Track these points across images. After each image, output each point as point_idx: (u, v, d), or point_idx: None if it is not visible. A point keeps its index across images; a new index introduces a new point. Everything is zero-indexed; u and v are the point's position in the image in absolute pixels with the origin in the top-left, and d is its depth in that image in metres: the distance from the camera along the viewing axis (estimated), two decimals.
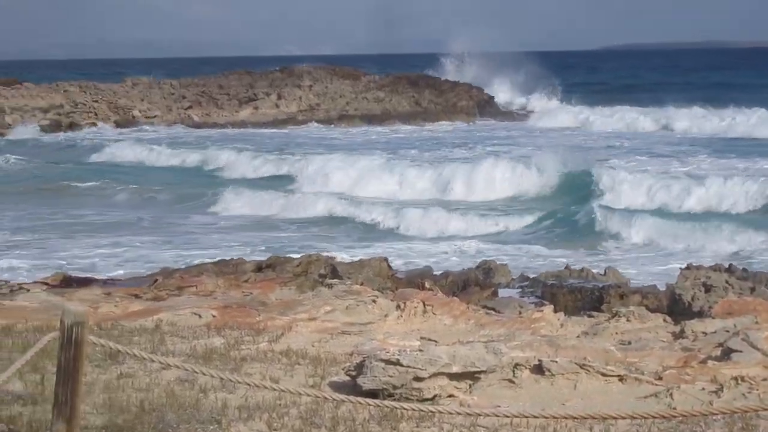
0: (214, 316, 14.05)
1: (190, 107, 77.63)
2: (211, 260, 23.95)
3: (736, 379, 9.76)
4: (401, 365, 9.28)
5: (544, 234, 32.10)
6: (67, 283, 20.37)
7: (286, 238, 31.82)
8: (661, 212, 34.31)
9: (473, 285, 21.54)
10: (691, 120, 67.62)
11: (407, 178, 42.99)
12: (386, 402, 7.69)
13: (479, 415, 8.31)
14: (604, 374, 10.00)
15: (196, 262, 24.91)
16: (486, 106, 79.01)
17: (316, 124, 72.65)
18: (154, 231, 32.91)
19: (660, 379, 10.18)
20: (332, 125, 72.68)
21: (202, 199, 40.08)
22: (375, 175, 43.51)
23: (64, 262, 26.49)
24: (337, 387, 9.62)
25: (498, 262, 23.62)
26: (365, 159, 46.42)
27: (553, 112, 76.51)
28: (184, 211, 37.64)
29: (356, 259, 23.42)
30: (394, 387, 9.23)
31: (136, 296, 17.42)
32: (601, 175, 39.60)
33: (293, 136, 65.87)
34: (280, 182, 44.44)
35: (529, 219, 33.90)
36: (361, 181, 42.95)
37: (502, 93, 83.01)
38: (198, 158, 52.52)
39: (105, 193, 42.66)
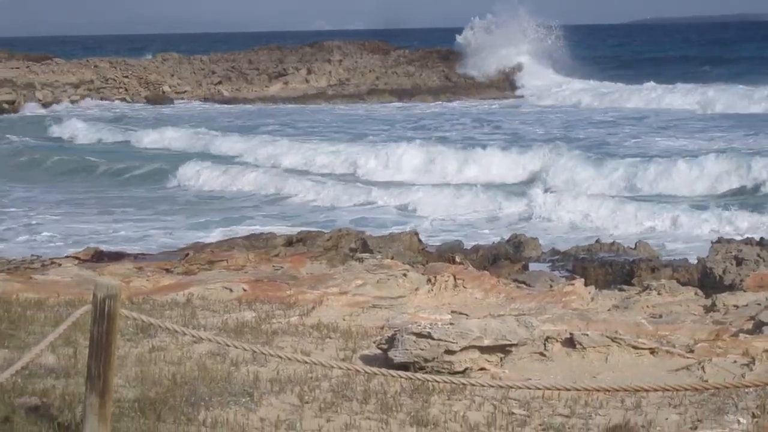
0: (245, 290, 14.10)
1: (219, 82, 77.82)
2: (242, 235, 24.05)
3: (767, 351, 9.72)
4: (432, 338, 9.28)
5: None
6: (99, 257, 20.52)
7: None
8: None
9: (504, 259, 21.56)
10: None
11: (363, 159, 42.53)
12: (418, 375, 7.69)
13: (510, 387, 8.30)
14: (635, 347, 9.97)
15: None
16: (516, 81, 78.67)
17: (340, 102, 72.55)
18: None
19: (691, 352, 10.15)
20: (363, 100, 72.53)
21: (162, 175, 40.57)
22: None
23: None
24: (368, 360, 9.62)
25: (528, 236, 23.60)
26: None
27: (579, 89, 75.58)
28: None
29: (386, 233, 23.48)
30: (426, 360, 9.23)
31: (168, 270, 17.49)
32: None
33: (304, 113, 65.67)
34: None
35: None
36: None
37: (532, 67, 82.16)
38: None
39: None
